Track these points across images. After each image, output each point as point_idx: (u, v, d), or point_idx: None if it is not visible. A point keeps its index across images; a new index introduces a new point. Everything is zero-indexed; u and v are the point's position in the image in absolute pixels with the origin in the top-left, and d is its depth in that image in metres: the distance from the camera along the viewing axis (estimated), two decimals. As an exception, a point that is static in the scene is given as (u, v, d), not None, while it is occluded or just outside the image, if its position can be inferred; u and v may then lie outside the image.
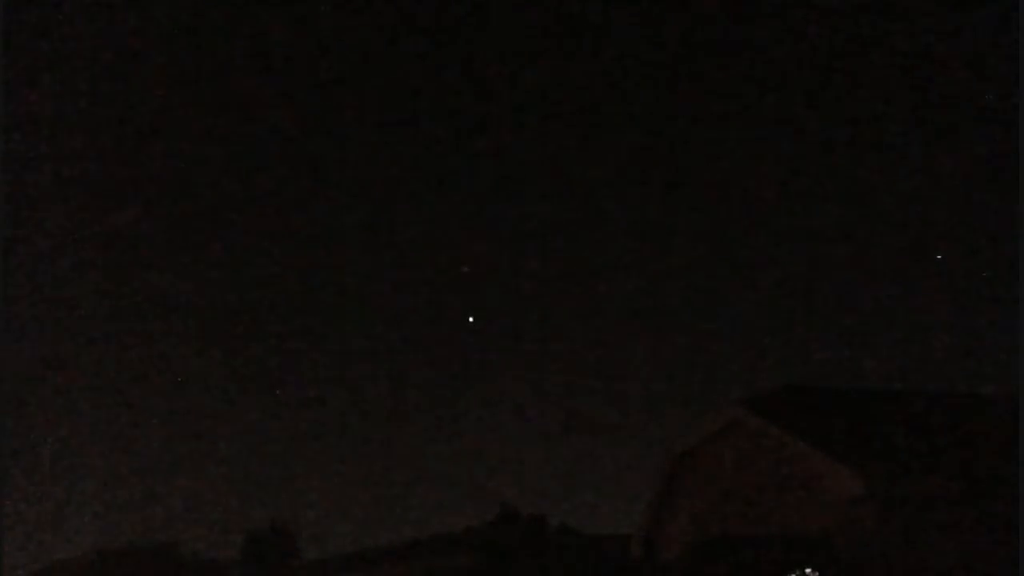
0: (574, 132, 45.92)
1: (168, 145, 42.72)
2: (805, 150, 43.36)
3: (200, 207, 45.24)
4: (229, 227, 45.10)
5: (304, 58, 43.93)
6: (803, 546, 17.38)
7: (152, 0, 38.59)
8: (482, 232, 46.19)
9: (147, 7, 38.68)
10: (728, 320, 43.44)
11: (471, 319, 40.68)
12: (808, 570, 16.98)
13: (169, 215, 44.07)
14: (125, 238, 42.73)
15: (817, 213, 43.26)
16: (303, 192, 46.10)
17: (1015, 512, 16.78)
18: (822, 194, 43.89)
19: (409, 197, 46.21)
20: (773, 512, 18.70)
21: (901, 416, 19.99)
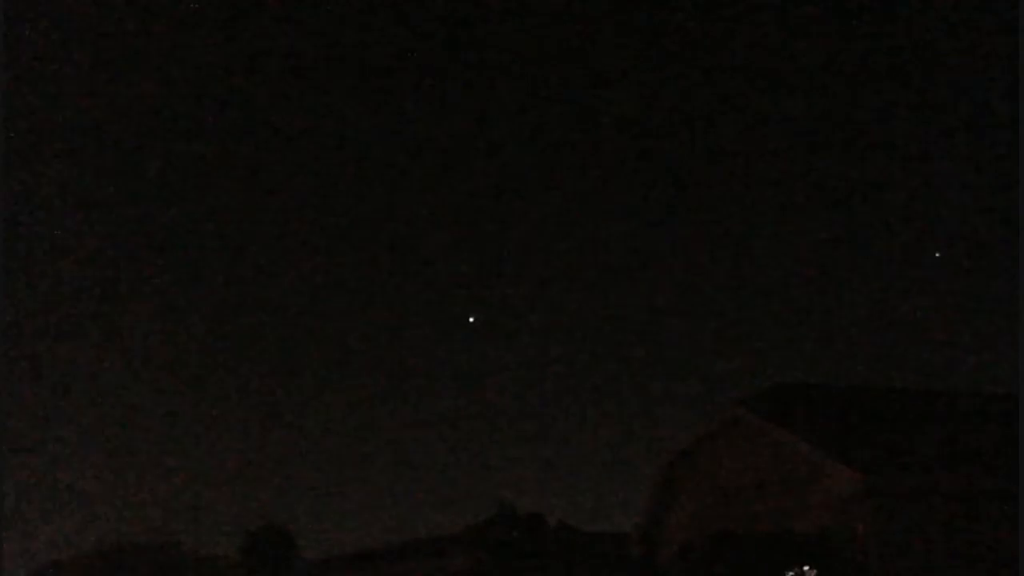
0: (575, 132, 45.97)
1: (168, 145, 42.76)
2: (805, 150, 43.40)
3: (201, 208, 45.29)
4: (230, 228, 45.17)
5: (304, 58, 43.97)
6: (801, 543, 17.40)
7: (152, 1, 38.64)
8: (482, 232, 46.23)
9: (147, 7, 38.72)
10: (727, 320, 43.48)
11: (471, 319, 40.70)
12: (806, 567, 16.99)
13: (169, 215, 44.13)
14: (126, 238, 42.76)
15: (816, 213, 43.31)
16: (303, 193, 46.17)
17: (1015, 511, 16.78)
18: (821, 194, 43.93)
19: (409, 197, 46.27)
20: (771, 510, 18.71)
21: (899, 414, 20.00)
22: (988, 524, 16.95)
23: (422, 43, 43.50)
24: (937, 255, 38.24)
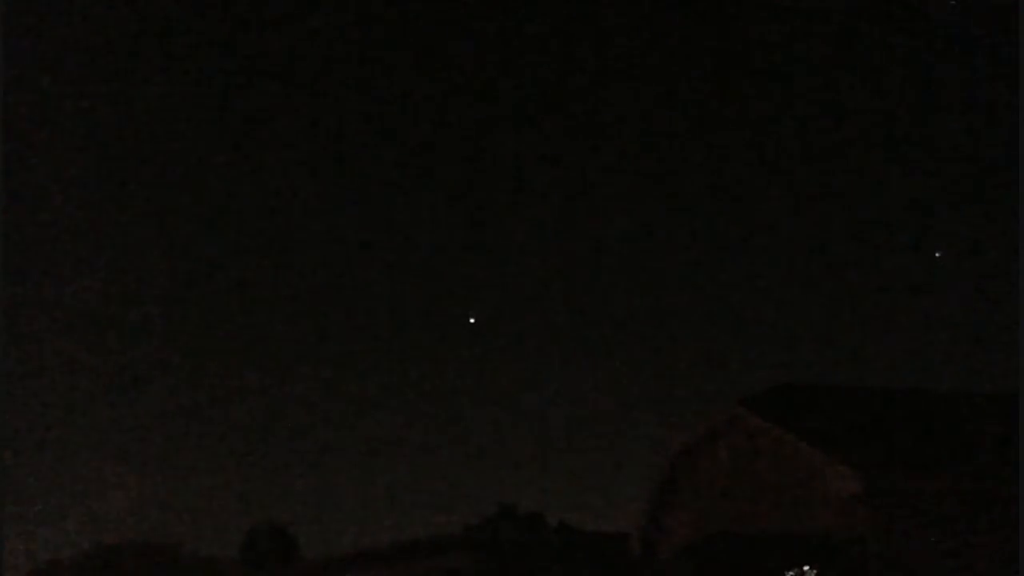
0: (574, 132, 45.96)
1: (169, 145, 42.75)
2: (804, 150, 43.39)
3: (200, 206, 45.27)
4: (229, 226, 45.14)
5: (304, 58, 43.98)
6: (801, 544, 17.41)
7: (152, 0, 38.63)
8: (482, 232, 46.22)
9: (147, 7, 38.71)
10: (727, 319, 43.45)
11: (471, 319, 40.69)
12: (807, 568, 17.00)
13: (169, 215, 44.12)
14: (125, 238, 42.75)
15: (816, 213, 43.30)
16: (302, 191, 46.14)
17: (1015, 512, 16.78)
18: (821, 194, 43.92)
19: (409, 197, 46.25)
20: (771, 510, 18.72)
21: (899, 414, 20.01)
22: (988, 524, 16.95)
23: (422, 42, 43.50)
24: (937, 255, 38.23)
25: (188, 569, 35.67)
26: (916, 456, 17.86)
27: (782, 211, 43.88)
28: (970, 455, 18.12)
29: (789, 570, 17.06)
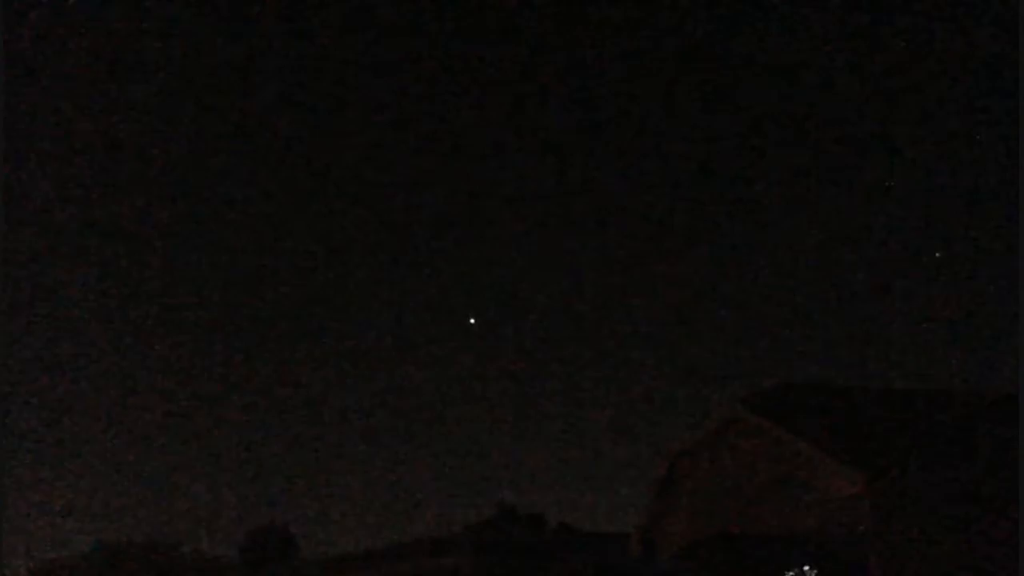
0: (575, 133, 45.98)
1: (168, 145, 42.79)
2: (805, 151, 43.41)
3: (202, 207, 45.28)
4: (230, 228, 45.15)
5: (305, 59, 44.01)
6: (802, 543, 17.42)
7: (152, 1, 38.66)
8: (482, 232, 46.24)
9: (147, 7, 38.74)
10: (727, 320, 43.44)
11: (471, 320, 40.72)
12: (807, 567, 17.01)
13: (171, 216, 44.14)
14: (125, 238, 42.77)
15: (817, 213, 43.31)
16: (303, 193, 46.17)
17: (1015, 511, 16.79)
18: (822, 195, 43.94)
19: (409, 197, 46.26)
20: (772, 510, 18.72)
21: (899, 415, 20.00)
22: (988, 524, 16.96)
23: (423, 42, 43.52)
24: (937, 255, 38.25)
25: (188, 569, 35.66)
26: (916, 456, 17.86)
27: (783, 212, 43.90)
28: (970, 455, 18.12)
29: (789, 569, 17.06)
